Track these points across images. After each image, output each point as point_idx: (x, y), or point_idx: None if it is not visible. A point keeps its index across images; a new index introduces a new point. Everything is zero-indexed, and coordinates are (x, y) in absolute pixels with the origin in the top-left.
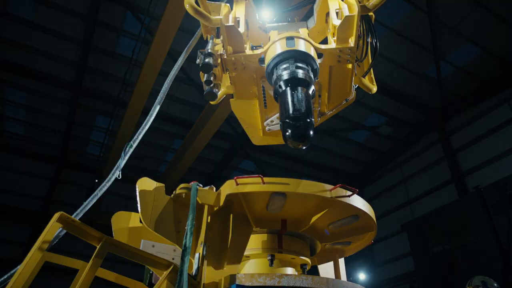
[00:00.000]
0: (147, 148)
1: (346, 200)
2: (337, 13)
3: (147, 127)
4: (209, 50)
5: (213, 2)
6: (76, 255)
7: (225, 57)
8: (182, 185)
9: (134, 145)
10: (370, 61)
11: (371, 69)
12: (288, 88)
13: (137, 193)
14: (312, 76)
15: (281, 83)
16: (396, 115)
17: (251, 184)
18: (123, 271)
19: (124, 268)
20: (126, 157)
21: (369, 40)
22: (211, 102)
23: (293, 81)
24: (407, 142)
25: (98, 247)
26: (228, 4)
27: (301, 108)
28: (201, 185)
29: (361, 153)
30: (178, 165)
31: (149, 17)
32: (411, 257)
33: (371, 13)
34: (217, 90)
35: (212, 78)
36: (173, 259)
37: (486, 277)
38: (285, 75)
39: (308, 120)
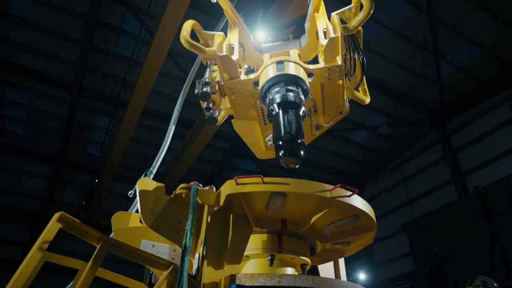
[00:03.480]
0: (147, 148)
1: (346, 200)
2: (324, 32)
3: (164, 152)
4: (206, 79)
5: (210, 32)
6: (76, 255)
7: (222, 83)
8: (182, 185)
9: (154, 171)
10: (361, 74)
11: (364, 81)
12: (280, 111)
13: (137, 193)
14: (302, 97)
15: (273, 106)
16: (396, 115)
17: (251, 184)
18: (123, 271)
19: (124, 268)
20: None
21: (355, 56)
22: (216, 125)
23: (284, 104)
24: (407, 142)
25: (98, 247)
26: (222, 33)
27: (291, 131)
28: (201, 185)
29: (361, 153)
30: (178, 165)
31: (149, 17)
32: (411, 257)
33: (359, 28)
34: (217, 114)
35: (211, 105)
36: (173, 259)
37: (486, 277)
38: (277, 98)
39: (299, 141)
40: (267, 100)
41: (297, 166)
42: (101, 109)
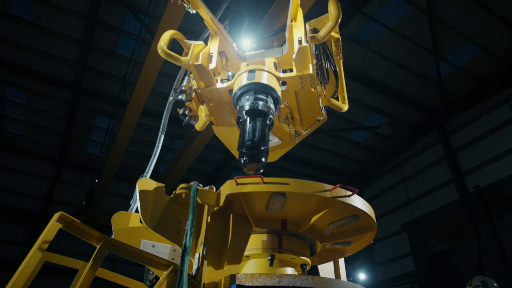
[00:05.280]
0: (147, 148)
1: (346, 200)
2: (299, 41)
3: (155, 159)
4: (183, 88)
5: (190, 42)
6: (76, 255)
7: (199, 91)
8: (182, 185)
9: (148, 176)
10: (343, 83)
11: (343, 88)
12: (246, 119)
13: (137, 193)
14: (272, 105)
15: (242, 114)
16: (396, 115)
17: (251, 184)
18: (123, 271)
19: (124, 268)
20: None
21: (328, 65)
22: (197, 129)
23: (251, 112)
24: (407, 142)
25: (98, 247)
26: (200, 42)
27: (254, 138)
28: (201, 185)
29: (361, 153)
30: (178, 165)
31: (149, 17)
32: (411, 257)
33: (338, 36)
34: (194, 121)
35: (187, 112)
36: (173, 259)
37: (486, 277)
38: (245, 106)
39: (262, 148)
40: (237, 107)
41: (261, 171)
42: (101, 109)
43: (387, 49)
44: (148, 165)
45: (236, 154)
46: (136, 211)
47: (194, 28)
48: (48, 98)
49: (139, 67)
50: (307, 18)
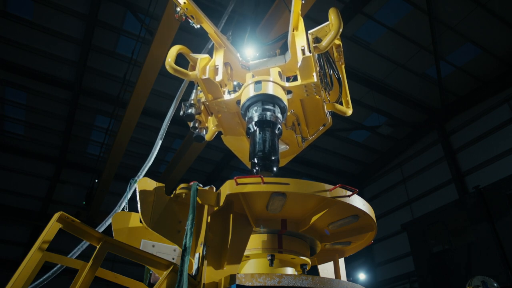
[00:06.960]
0: (147, 148)
1: (346, 200)
2: (302, 50)
3: (150, 163)
4: (191, 101)
5: (196, 55)
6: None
7: (207, 103)
8: (182, 185)
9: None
10: (346, 88)
11: (347, 93)
12: (256, 130)
13: (137, 193)
14: (279, 114)
15: (251, 125)
16: (396, 115)
17: (251, 184)
18: (123, 271)
19: (124, 268)
20: (131, 191)
21: (331, 72)
22: (207, 139)
23: (260, 123)
24: (407, 142)
25: (98, 247)
26: (206, 55)
27: (265, 149)
28: (201, 185)
29: (361, 153)
30: (178, 165)
31: (149, 17)
32: (411, 257)
33: (339, 42)
34: (204, 132)
35: (197, 125)
36: (173, 259)
37: (486, 277)
38: (254, 117)
39: (273, 158)
40: (246, 118)
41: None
42: (101, 109)
43: (387, 49)
44: (141, 170)
45: (245, 162)
46: (123, 209)
47: (194, 28)
48: (48, 98)
49: (139, 67)
50: (306, 18)
